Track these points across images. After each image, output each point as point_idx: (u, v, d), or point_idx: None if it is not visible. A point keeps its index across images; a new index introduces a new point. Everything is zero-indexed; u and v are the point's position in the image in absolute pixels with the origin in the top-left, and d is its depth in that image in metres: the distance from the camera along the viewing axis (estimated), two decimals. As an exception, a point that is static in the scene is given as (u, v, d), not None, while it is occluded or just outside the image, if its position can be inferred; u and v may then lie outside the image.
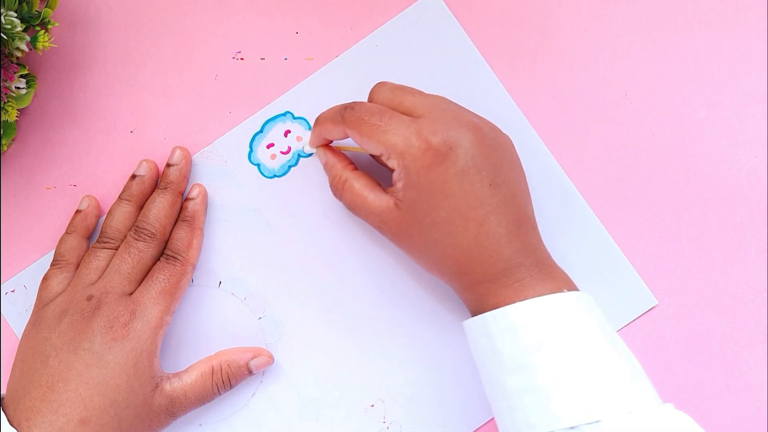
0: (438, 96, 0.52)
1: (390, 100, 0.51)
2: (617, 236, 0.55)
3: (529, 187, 0.51)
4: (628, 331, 0.55)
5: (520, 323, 0.47)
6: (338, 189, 0.53)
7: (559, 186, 0.56)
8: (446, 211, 0.48)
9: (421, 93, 0.52)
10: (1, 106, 0.53)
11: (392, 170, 0.50)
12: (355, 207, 0.52)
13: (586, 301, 0.48)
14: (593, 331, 0.47)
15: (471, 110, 0.52)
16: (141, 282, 0.53)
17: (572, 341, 0.46)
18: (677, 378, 0.54)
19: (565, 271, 0.50)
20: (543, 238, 0.51)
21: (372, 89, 0.53)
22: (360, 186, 0.52)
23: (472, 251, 0.48)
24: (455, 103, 0.52)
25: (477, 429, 0.55)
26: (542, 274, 0.48)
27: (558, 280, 0.49)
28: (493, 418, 0.54)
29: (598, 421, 0.44)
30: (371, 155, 0.54)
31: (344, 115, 0.51)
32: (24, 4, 0.52)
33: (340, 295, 0.56)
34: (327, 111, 0.53)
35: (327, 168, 0.54)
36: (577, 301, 0.48)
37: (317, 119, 0.53)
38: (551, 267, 0.49)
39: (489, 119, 0.52)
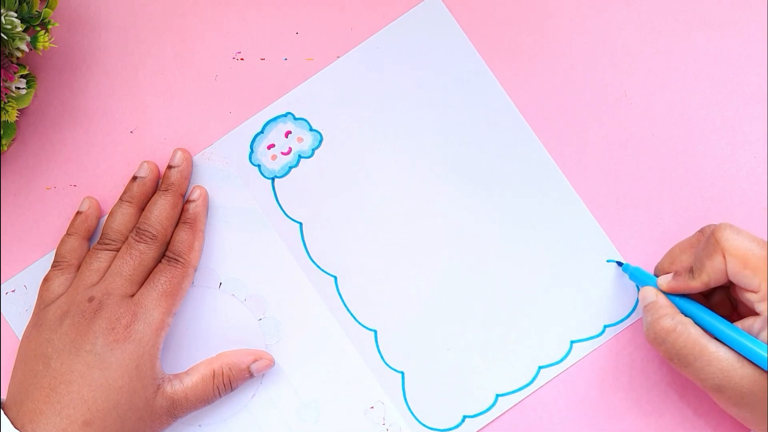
0: None
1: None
2: (616, 237, 0.55)
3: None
4: (627, 332, 0.55)
5: None
6: (666, 331, 0.48)
7: (557, 187, 0.56)
8: None
9: None
10: (1, 106, 0.53)
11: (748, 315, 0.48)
12: (686, 355, 0.48)
13: None
14: None
15: None
16: (142, 284, 0.53)
17: None
18: (678, 379, 0.54)
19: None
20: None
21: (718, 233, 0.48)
22: (698, 333, 0.48)
23: None
24: None
25: (479, 430, 0.55)
26: None
27: None
28: (494, 420, 0.54)
29: None
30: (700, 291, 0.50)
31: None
32: (24, 4, 0.52)
33: (339, 296, 0.56)
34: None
35: (653, 308, 0.50)
36: None
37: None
38: None
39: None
